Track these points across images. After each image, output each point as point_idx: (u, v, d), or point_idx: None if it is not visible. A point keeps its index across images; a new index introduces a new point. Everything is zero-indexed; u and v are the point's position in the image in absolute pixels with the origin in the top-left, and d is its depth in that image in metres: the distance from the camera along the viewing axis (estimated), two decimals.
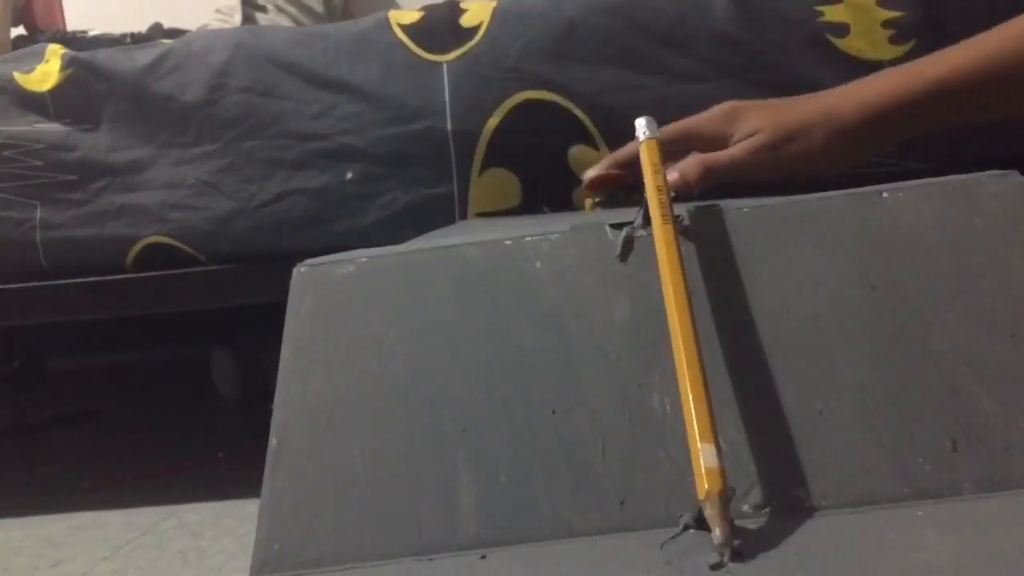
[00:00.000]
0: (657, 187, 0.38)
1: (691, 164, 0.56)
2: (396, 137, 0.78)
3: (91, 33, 1.37)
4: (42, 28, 1.43)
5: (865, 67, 0.73)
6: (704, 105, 0.62)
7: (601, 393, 0.34)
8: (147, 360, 1.71)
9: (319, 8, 1.73)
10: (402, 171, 0.78)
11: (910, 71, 0.58)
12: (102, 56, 0.84)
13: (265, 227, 0.79)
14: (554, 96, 0.76)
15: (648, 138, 0.44)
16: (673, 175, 0.55)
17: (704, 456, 0.29)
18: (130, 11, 1.58)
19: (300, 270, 0.40)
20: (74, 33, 1.42)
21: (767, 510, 0.31)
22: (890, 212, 0.36)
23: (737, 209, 0.37)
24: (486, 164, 0.77)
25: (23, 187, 0.81)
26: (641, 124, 0.46)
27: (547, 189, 0.76)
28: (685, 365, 0.31)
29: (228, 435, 1.11)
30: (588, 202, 0.64)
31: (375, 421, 0.35)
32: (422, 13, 0.82)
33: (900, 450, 0.31)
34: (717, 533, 0.28)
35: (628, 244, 0.37)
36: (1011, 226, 0.35)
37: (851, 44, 0.74)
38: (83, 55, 0.84)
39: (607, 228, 0.38)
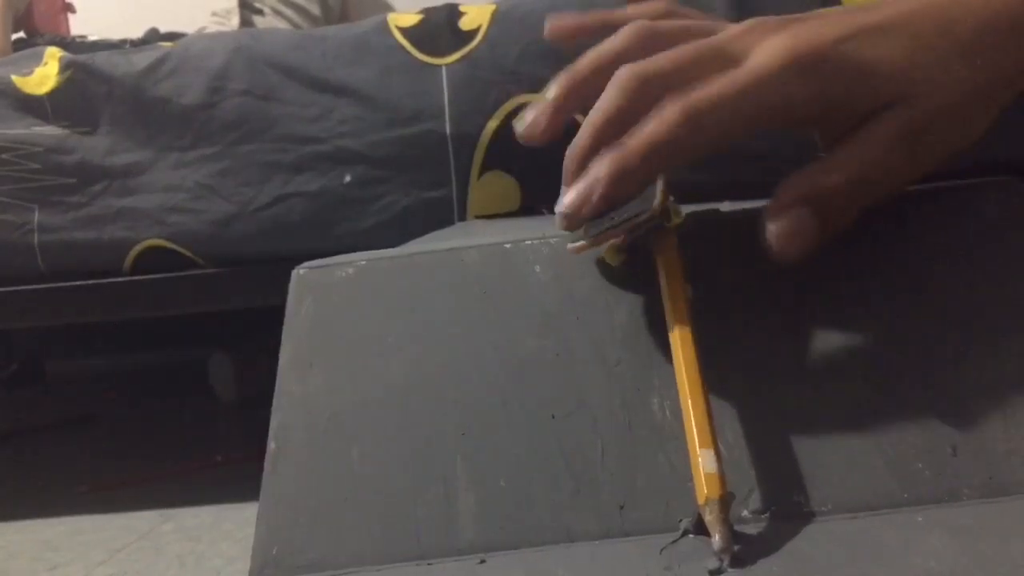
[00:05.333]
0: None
1: (670, 112, 0.32)
2: (395, 140, 0.78)
3: (90, 38, 1.37)
4: (42, 33, 1.43)
5: None
6: None
7: (600, 397, 0.34)
8: (145, 363, 1.70)
9: (316, 11, 1.73)
10: (401, 174, 0.78)
11: None
12: (100, 59, 0.84)
13: (264, 230, 0.79)
14: None
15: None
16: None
17: (703, 461, 0.29)
18: (130, 16, 1.58)
19: (299, 273, 0.40)
20: (73, 38, 1.42)
21: (767, 515, 0.31)
22: (889, 218, 0.36)
23: (736, 212, 0.37)
24: (485, 167, 0.77)
25: (21, 190, 0.81)
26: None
27: (546, 192, 0.76)
28: (684, 370, 0.31)
29: (226, 438, 1.11)
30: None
31: (374, 424, 0.35)
32: (421, 16, 0.82)
33: (900, 455, 0.31)
34: (716, 538, 0.28)
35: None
36: (1010, 232, 0.35)
37: None
38: (81, 58, 0.84)
39: None
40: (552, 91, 0.37)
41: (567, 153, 0.35)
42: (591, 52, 0.37)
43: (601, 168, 0.33)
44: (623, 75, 0.34)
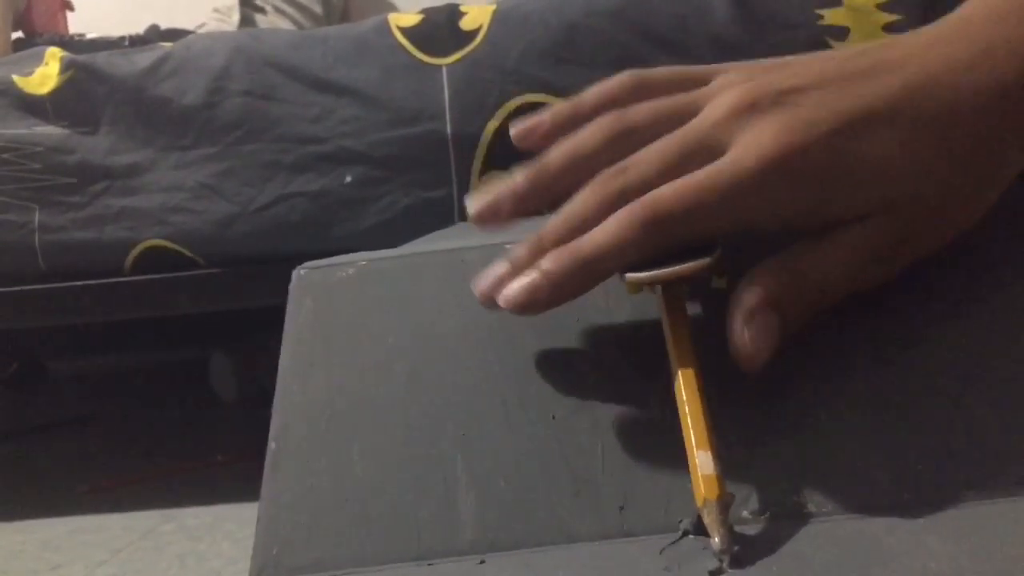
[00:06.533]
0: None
1: (626, 217, 0.31)
2: (396, 140, 0.78)
3: (88, 36, 1.37)
4: (41, 32, 1.43)
5: None
6: None
7: (601, 398, 0.34)
8: (146, 363, 1.70)
9: (318, 9, 1.73)
10: (402, 174, 0.78)
11: None
12: (101, 59, 0.84)
13: (264, 230, 0.79)
14: (554, 99, 0.76)
15: None
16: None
17: (700, 463, 0.29)
18: (129, 13, 1.58)
19: (299, 273, 0.40)
20: (72, 36, 1.42)
21: (767, 516, 0.31)
22: None
23: None
24: (486, 167, 0.77)
25: (22, 190, 0.81)
26: None
27: None
28: (680, 372, 0.31)
29: (227, 438, 1.11)
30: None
31: (374, 425, 0.35)
32: (422, 16, 0.83)
33: (900, 457, 0.31)
34: (716, 539, 0.28)
35: None
36: (1011, 233, 0.35)
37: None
38: (82, 58, 0.84)
39: None
40: (518, 178, 0.35)
41: (533, 241, 0.33)
42: (560, 149, 0.35)
43: (549, 264, 0.32)
44: (602, 190, 0.32)
